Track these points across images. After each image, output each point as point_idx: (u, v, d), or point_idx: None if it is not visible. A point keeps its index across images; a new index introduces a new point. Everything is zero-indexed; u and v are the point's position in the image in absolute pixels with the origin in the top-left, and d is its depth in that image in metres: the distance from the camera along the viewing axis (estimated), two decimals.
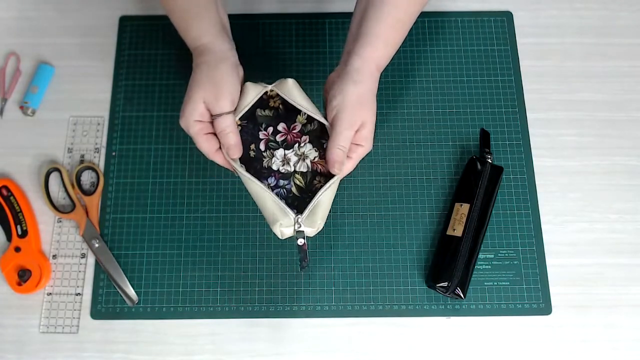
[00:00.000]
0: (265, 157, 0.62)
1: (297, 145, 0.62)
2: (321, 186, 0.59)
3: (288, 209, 0.58)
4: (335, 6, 0.83)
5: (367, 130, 0.61)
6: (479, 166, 0.72)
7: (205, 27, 0.63)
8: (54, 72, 0.80)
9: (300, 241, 0.59)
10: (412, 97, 0.78)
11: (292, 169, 0.61)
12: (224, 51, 0.62)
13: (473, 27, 0.82)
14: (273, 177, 0.61)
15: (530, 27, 0.82)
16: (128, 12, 0.83)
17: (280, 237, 0.59)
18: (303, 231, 0.58)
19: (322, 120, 0.61)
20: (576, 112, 0.78)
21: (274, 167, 0.61)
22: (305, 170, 0.61)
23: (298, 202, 0.60)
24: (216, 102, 0.60)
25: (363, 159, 0.75)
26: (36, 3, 0.84)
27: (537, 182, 0.75)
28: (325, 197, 0.59)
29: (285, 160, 0.61)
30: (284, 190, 0.61)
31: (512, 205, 0.73)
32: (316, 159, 0.61)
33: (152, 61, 0.80)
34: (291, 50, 0.81)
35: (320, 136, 0.62)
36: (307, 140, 0.62)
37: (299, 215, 0.58)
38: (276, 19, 0.82)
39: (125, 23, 0.82)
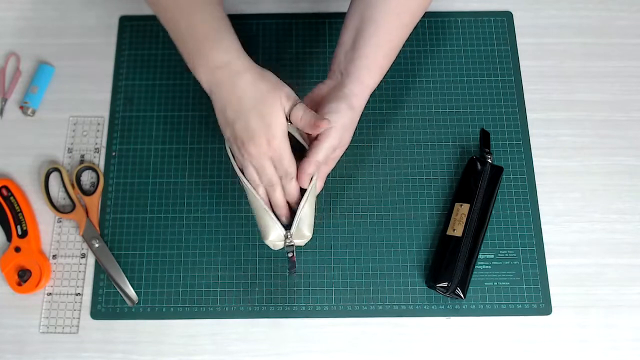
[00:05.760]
0: None
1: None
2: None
3: (279, 225, 0.61)
4: (335, 6, 0.83)
5: (339, 152, 0.64)
6: (479, 166, 0.72)
7: (234, 39, 0.61)
8: (54, 72, 0.80)
9: (290, 254, 0.62)
10: (412, 97, 0.78)
11: None
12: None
13: (473, 27, 0.82)
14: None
15: (530, 27, 0.82)
16: (128, 12, 0.83)
17: (273, 249, 0.63)
18: (293, 244, 0.62)
19: (305, 144, 0.63)
20: (576, 112, 0.78)
21: None
22: None
23: (290, 213, 0.63)
24: (293, 97, 0.60)
25: (364, 158, 0.75)
26: (36, 3, 0.84)
27: (537, 182, 0.75)
28: (305, 212, 0.62)
29: None
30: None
31: (512, 205, 0.73)
32: (298, 168, 0.62)
33: (152, 61, 0.80)
34: (291, 50, 0.81)
35: (302, 148, 0.63)
36: (296, 156, 0.64)
37: (288, 231, 0.61)
38: (276, 19, 0.82)
39: (125, 23, 0.82)
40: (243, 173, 0.62)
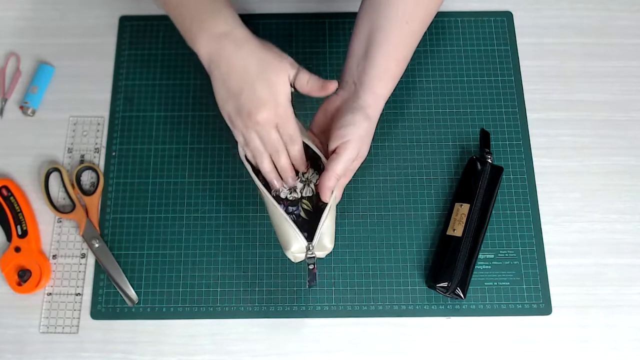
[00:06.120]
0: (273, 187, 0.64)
1: (301, 172, 0.64)
2: (324, 209, 0.61)
3: (301, 236, 0.60)
4: (335, 6, 0.83)
5: (357, 164, 0.63)
6: (479, 166, 0.72)
7: (234, 13, 0.61)
8: (54, 72, 0.80)
9: (311, 266, 0.61)
10: (412, 97, 0.78)
11: (299, 195, 0.64)
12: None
13: (473, 27, 0.82)
14: (282, 205, 0.63)
15: (530, 27, 0.82)
16: (128, 12, 0.83)
17: (293, 261, 0.62)
18: (314, 256, 0.61)
19: (321, 155, 0.62)
20: (576, 112, 0.78)
21: (282, 196, 0.64)
22: (310, 194, 0.64)
23: (308, 225, 0.62)
24: (296, 65, 0.60)
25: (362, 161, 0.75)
26: (36, 3, 0.84)
27: (537, 182, 0.75)
28: (326, 225, 0.61)
29: (293, 189, 0.64)
30: (294, 215, 0.63)
31: (512, 205, 0.73)
32: (318, 182, 0.62)
33: (152, 61, 0.80)
34: (291, 50, 0.81)
35: (316, 157, 0.63)
36: (310, 165, 0.64)
37: (311, 243, 0.60)
38: (276, 19, 0.82)
39: (125, 23, 0.82)
40: (255, 172, 0.62)
